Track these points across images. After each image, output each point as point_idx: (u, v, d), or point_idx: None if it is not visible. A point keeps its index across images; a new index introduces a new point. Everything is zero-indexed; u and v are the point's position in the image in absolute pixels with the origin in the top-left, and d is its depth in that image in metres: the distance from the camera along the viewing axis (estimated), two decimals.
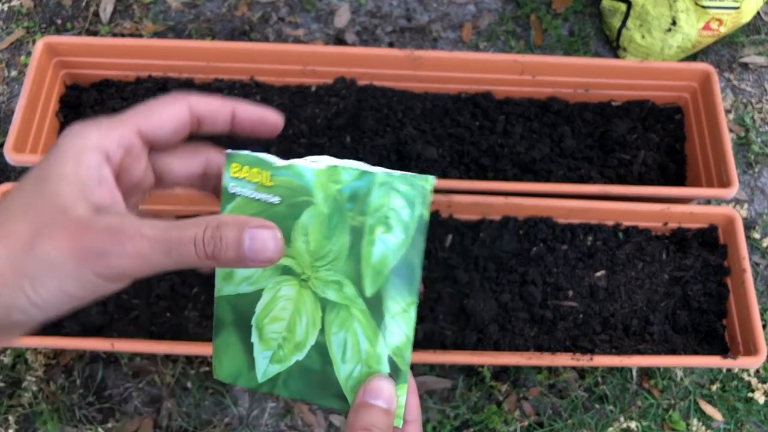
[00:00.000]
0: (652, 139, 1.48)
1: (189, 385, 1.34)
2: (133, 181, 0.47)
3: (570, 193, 1.31)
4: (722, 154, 1.35)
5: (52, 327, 1.22)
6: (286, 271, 0.50)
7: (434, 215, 1.32)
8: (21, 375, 1.32)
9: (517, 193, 1.30)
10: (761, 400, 1.37)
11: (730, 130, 1.66)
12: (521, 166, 1.41)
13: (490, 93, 1.50)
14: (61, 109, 1.42)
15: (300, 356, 0.50)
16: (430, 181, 0.47)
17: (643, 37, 1.62)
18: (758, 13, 1.81)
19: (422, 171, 1.37)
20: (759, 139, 1.65)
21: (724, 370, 1.41)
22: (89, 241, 0.40)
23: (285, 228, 0.49)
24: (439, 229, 1.33)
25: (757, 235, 1.54)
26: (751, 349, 1.23)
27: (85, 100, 1.43)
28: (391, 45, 1.73)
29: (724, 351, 1.29)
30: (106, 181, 0.43)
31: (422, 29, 1.76)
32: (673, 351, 1.27)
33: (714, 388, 1.39)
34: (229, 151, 0.54)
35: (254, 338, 0.51)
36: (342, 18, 1.75)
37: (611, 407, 1.36)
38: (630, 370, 1.40)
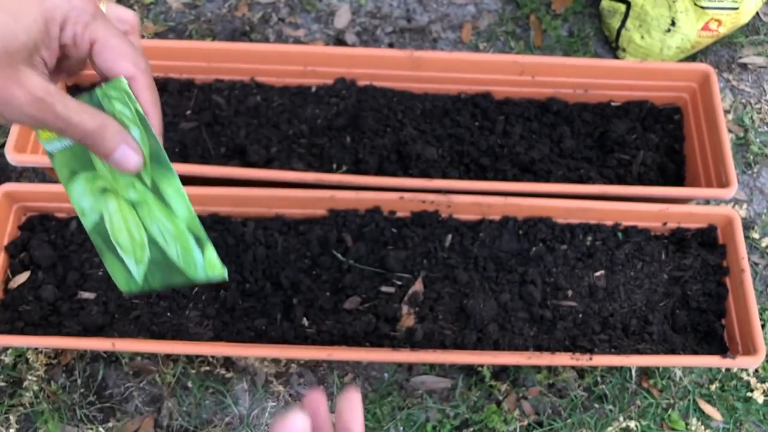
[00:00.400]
0: (651, 140, 1.49)
1: (190, 384, 1.34)
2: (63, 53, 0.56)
3: (569, 193, 1.32)
4: (721, 155, 1.36)
5: (53, 327, 1.23)
6: (104, 190, 0.61)
7: (434, 215, 1.32)
8: (22, 374, 1.32)
9: (517, 193, 1.31)
10: (760, 399, 1.37)
11: (729, 131, 1.66)
12: (521, 167, 1.41)
13: (490, 93, 1.50)
14: None
15: (148, 253, 0.62)
16: (122, 80, 0.55)
17: (642, 37, 1.62)
18: (757, 13, 1.81)
19: (422, 171, 1.38)
20: (758, 140, 1.66)
21: (723, 370, 1.41)
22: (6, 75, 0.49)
23: (89, 154, 0.60)
24: (438, 229, 1.33)
25: (756, 235, 1.55)
26: (750, 349, 1.23)
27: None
28: (391, 45, 1.73)
29: (723, 351, 1.30)
30: (53, 42, 0.52)
31: (422, 30, 1.76)
32: (673, 351, 1.28)
33: (713, 387, 1.39)
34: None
35: (120, 252, 0.63)
36: (342, 18, 1.75)
37: (610, 407, 1.37)
38: (629, 369, 1.40)
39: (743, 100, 1.71)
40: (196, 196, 1.28)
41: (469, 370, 1.39)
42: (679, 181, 1.46)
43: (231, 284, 1.27)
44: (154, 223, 0.60)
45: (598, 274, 1.34)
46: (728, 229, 1.34)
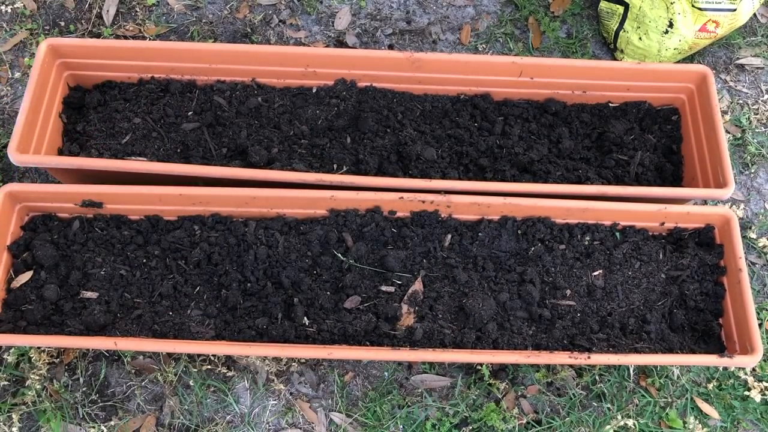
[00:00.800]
0: (649, 140, 1.50)
1: (191, 383, 1.35)
2: None
3: (568, 193, 1.33)
4: (719, 155, 1.37)
5: (56, 326, 1.24)
6: None
7: (433, 215, 1.33)
8: (24, 374, 1.33)
9: (516, 194, 1.32)
10: (758, 398, 1.38)
11: (727, 131, 1.67)
12: (519, 167, 1.42)
13: (489, 94, 1.51)
14: (65, 110, 1.43)
15: None
16: None
17: (640, 39, 1.63)
18: (755, 15, 1.82)
19: (422, 171, 1.39)
20: (755, 140, 1.67)
21: (721, 369, 1.42)
22: None
23: None
24: (438, 228, 1.34)
25: (753, 235, 1.56)
26: (747, 348, 1.24)
27: (89, 101, 1.44)
28: (390, 47, 1.74)
29: (720, 350, 1.31)
30: None
31: (422, 31, 1.77)
32: (670, 350, 1.29)
33: (711, 386, 1.40)
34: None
35: None
36: (342, 20, 1.76)
37: (609, 405, 1.38)
38: (627, 368, 1.41)
39: (740, 101, 1.72)
40: (197, 196, 1.29)
41: (469, 369, 1.40)
42: (676, 181, 1.47)
43: (232, 284, 1.28)
44: None
45: (596, 273, 1.35)
46: (725, 228, 1.35)
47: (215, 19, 1.74)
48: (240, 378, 1.37)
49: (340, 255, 1.31)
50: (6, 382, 1.34)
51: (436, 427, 1.34)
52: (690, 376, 1.41)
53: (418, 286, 1.30)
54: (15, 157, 1.26)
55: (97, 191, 1.29)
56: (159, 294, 1.28)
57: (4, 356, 1.35)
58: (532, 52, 1.75)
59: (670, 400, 1.39)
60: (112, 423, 1.32)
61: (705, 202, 1.53)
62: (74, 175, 1.38)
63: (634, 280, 1.35)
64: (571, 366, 1.40)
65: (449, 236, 1.34)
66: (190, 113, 1.44)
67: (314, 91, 1.48)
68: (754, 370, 1.41)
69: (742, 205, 1.60)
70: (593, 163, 1.46)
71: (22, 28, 1.69)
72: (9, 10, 1.71)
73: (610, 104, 1.53)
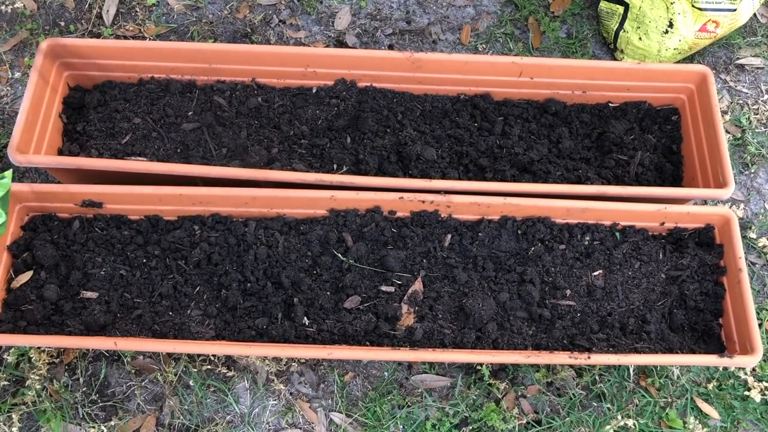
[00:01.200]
0: (649, 140, 1.50)
1: (191, 383, 1.35)
2: None
3: (567, 193, 1.33)
4: (718, 155, 1.37)
5: (56, 326, 1.24)
6: None
7: (433, 215, 1.33)
8: (25, 373, 1.33)
9: (516, 194, 1.32)
10: (758, 398, 1.38)
11: (727, 131, 1.67)
12: (519, 167, 1.42)
13: (489, 95, 1.51)
14: (65, 110, 1.43)
15: None
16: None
17: (640, 39, 1.63)
18: (755, 15, 1.82)
19: (422, 171, 1.39)
20: (755, 140, 1.67)
21: (721, 369, 1.42)
22: None
23: None
24: (438, 228, 1.34)
25: (753, 235, 1.56)
26: (747, 348, 1.24)
27: (89, 101, 1.44)
28: (390, 47, 1.74)
29: (720, 350, 1.31)
30: None
31: (422, 31, 1.77)
32: (670, 350, 1.29)
33: (711, 386, 1.40)
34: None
35: None
36: (342, 20, 1.76)
37: (609, 405, 1.38)
38: (627, 368, 1.41)
39: (740, 101, 1.72)
40: (197, 196, 1.29)
41: (469, 369, 1.40)
42: (676, 181, 1.47)
43: (232, 284, 1.28)
44: None
45: (596, 273, 1.35)
46: (725, 228, 1.35)
47: (215, 19, 1.74)
48: (240, 378, 1.37)
49: (340, 255, 1.31)
50: (6, 382, 1.34)
51: (436, 427, 1.34)
52: (690, 376, 1.41)
53: (418, 286, 1.30)
54: (15, 157, 1.26)
55: (97, 191, 1.30)
56: (159, 294, 1.28)
57: (4, 356, 1.35)
58: (532, 52, 1.75)
59: (670, 400, 1.39)
60: (112, 423, 1.32)
61: (705, 202, 1.53)
62: (74, 175, 1.38)
63: (634, 280, 1.35)
64: (571, 366, 1.40)
65: (449, 236, 1.34)
66: (190, 113, 1.44)
67: (314, 91, 1.49)
68: (754, 370, 1.42)
69: (742, 205, 1.60)
70: (593, 163, 1.46)
71: (22, 28, 1.69)
72: (9, 10, 1.71)
73: (610, 104, 1.53)
